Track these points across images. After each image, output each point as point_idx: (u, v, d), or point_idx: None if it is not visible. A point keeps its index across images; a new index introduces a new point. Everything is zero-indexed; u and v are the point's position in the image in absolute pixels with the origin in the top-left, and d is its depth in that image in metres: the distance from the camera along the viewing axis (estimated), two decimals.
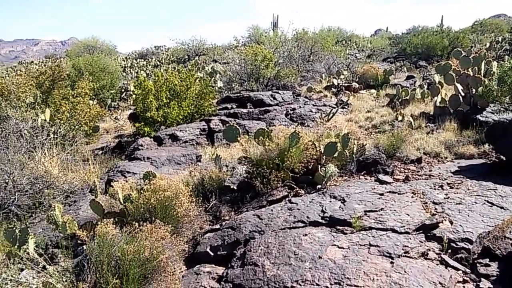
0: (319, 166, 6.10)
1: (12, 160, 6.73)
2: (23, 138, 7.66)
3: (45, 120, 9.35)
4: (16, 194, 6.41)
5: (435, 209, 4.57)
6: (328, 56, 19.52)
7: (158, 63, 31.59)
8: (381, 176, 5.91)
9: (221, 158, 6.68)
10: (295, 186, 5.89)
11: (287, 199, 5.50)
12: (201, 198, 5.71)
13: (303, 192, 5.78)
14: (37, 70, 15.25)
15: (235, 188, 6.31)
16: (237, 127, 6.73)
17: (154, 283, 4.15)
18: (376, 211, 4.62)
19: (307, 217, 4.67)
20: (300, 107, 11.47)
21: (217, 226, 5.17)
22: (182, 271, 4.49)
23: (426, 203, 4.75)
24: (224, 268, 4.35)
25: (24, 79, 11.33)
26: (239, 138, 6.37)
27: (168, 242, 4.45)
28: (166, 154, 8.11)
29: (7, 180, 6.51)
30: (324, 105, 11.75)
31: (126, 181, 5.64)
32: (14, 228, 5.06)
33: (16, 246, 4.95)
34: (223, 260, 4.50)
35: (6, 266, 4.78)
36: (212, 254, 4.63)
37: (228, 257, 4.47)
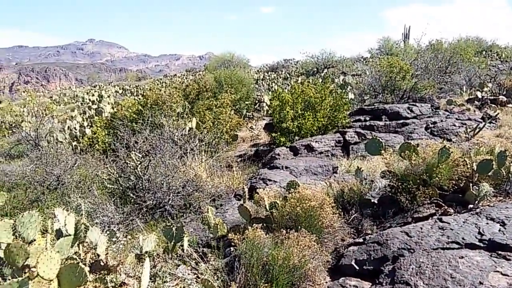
0: (471, 184, 5.67)
1: (167, 164, 7.48)
2: (176, 144, 8.46)
3: (191, 128, 10.24)
4: (171, 195, 7.09)
5: None
6: (468, 68, 18.07)
7: (288, 76, 32.40)
8: None
9: (362, 170, 6.59)
10: (443, 204, 5.55)
11: (435, 217, 5.20)
12: (340, 210, 5.69)
13: (452, 211, 5.42)
14: (180, 82, 16.73)
15: (376, 202, 6.17)
16: (380, 140, 6.57)
17: None
18: None
19: (462, 238, 4.36)
20: (441, 120, 10.75)
21: (361, 240, 5.09)
22: (327, 282, 4.53)
23: None
24: (370, 284, 4.27)
25: (174, 90, 12.59)
26: (382, 151, 6.22)
27: (313, 252, 4.53)
28: (304, 164, 8.25)
29: (163, 182, 7.24)
30: (469, 119, 10.84)
31: (270, 189, 5.90)
32: (171, 226, 5.60)
33: (172, 243, 5.44)
34: (369, 275, 4.42)
35: (165, 261, 5.30)
36: (357, 268, 4.58)
37: (375, 272, 4.38)
